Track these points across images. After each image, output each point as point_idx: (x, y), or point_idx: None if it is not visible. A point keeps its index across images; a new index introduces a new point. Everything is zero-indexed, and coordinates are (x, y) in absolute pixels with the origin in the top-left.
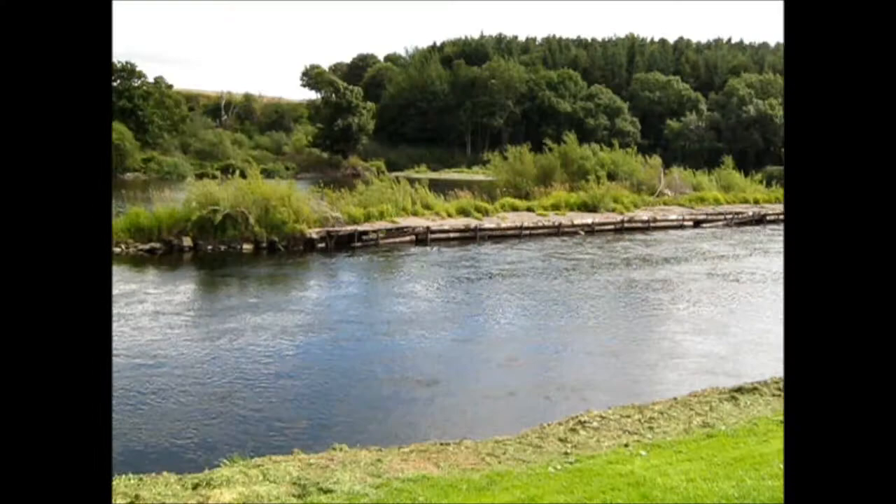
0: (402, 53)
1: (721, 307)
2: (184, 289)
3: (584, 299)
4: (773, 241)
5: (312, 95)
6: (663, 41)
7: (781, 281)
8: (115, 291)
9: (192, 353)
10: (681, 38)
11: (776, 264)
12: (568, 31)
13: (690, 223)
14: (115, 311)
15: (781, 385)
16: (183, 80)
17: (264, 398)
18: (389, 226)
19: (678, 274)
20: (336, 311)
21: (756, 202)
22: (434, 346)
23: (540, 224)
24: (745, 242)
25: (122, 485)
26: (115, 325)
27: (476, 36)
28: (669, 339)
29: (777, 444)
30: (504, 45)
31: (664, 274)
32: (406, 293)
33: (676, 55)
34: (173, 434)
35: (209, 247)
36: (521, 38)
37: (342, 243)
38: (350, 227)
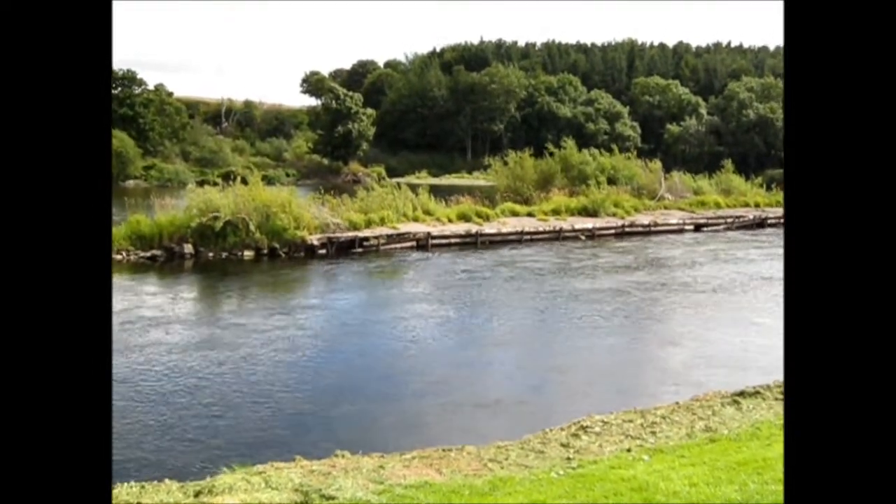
0: (402, 59)
1: (670, 320)
2: (153, 297)
3: (559, 308)
4: (738, 249)
5: (313, 102)
6: (663, 45)
7: (733, 289)
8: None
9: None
10: (680, 43)
11: (731, 270)
12: (567, 36)
13: (691, 227)
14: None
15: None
16: (183, 87)
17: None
18: (390, 232)
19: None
20: (257, 326)
21: (757, 206)
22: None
23: (541, 229)
24: (717, 250)
25: (123, 492)
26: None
27: (476, 41)
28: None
29: (780, 447)
30: (504, 51)
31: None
32: (390, 301)
33: (676, 59)
34: None
35: (210, 254)
36: (521, 43)
37: (343, 249)
38: (351, 234)
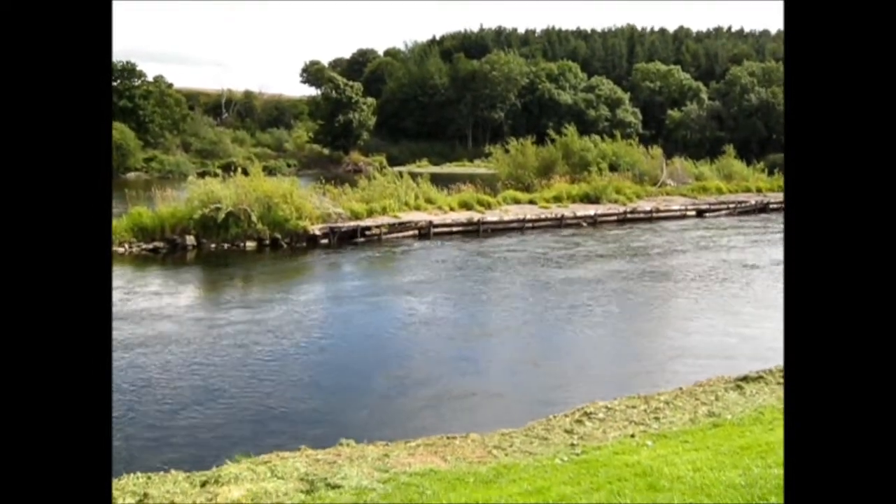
0: (402, 48)
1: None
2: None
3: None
4: (742, 234)
5: (313, 91)
6: (663, 31)
7: (706, 279)
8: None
9: None
10: (681, 28)
11: (708, 259)
12: (567, 23)
13: (693, 213)
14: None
15: None
16: (183, 78)
17: None
18: (392, 221)
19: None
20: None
21: (759, 191)
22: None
23: (543, 216)
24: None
25: (130, 483)
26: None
27: (475, 29)
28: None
29: (783, 432)
30: (503, 38)
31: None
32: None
33: (676, 45)
34: None
35: (212, 245)
36: (521, 30)
37: (345, 239)
38: (353, 223)
